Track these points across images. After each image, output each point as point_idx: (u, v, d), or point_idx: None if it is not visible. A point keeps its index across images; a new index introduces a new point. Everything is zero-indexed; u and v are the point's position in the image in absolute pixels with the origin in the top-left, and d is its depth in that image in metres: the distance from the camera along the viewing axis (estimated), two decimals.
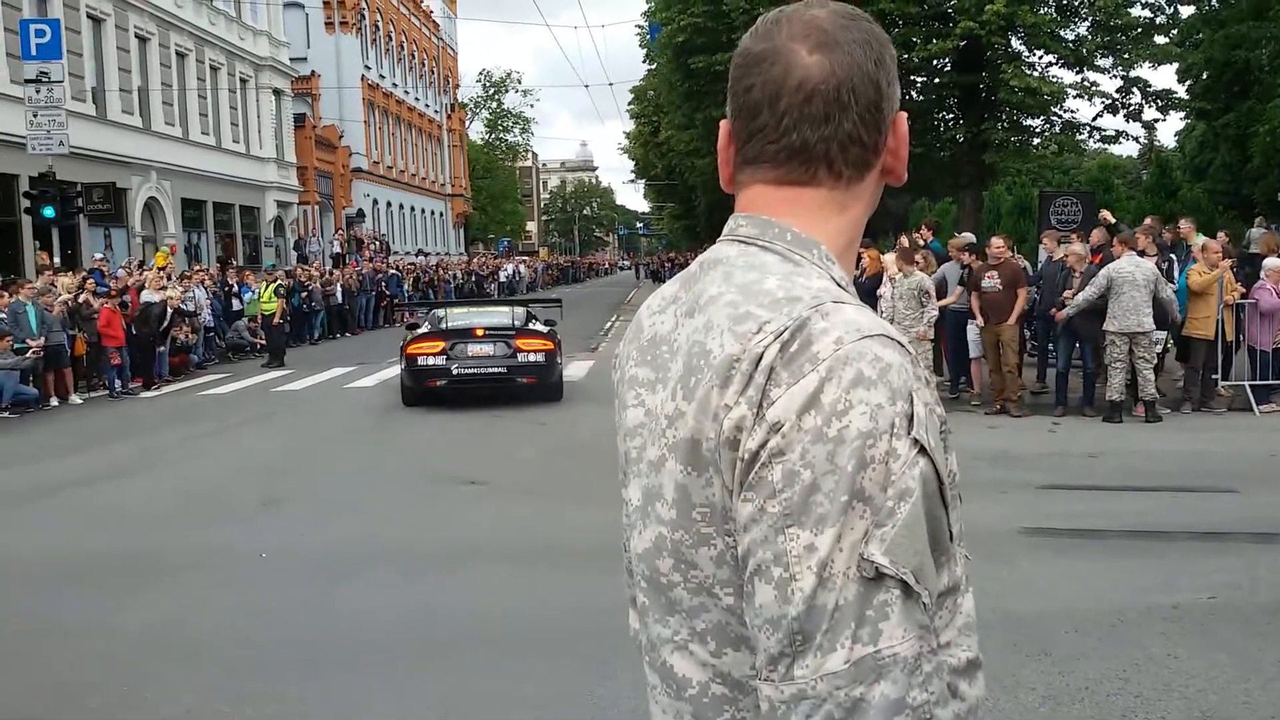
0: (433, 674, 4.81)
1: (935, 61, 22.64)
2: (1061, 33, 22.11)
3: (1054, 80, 22.27)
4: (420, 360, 13.42)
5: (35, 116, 19.80)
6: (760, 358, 1.04)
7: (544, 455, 10.19)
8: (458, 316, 14.76)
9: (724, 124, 1.23)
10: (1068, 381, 11.88)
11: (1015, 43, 22.38)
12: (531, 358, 13.55)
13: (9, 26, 22.55)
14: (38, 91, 19.79)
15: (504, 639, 5.21)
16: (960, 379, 13.12)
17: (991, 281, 11.70)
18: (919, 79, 23.65)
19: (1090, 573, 6.10)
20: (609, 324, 27.50)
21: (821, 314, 1.05)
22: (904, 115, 1.21)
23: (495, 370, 13.50)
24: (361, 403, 14.77)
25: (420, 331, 14.33)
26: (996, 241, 12.29)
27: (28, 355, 14.35)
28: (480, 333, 13.74)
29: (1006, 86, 20.91)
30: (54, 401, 15.15)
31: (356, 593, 6.07)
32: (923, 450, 1.02)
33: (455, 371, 13.35)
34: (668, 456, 1.12)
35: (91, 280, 17.35)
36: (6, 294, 15.14)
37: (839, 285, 1.13)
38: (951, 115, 24.61)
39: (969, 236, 14.69)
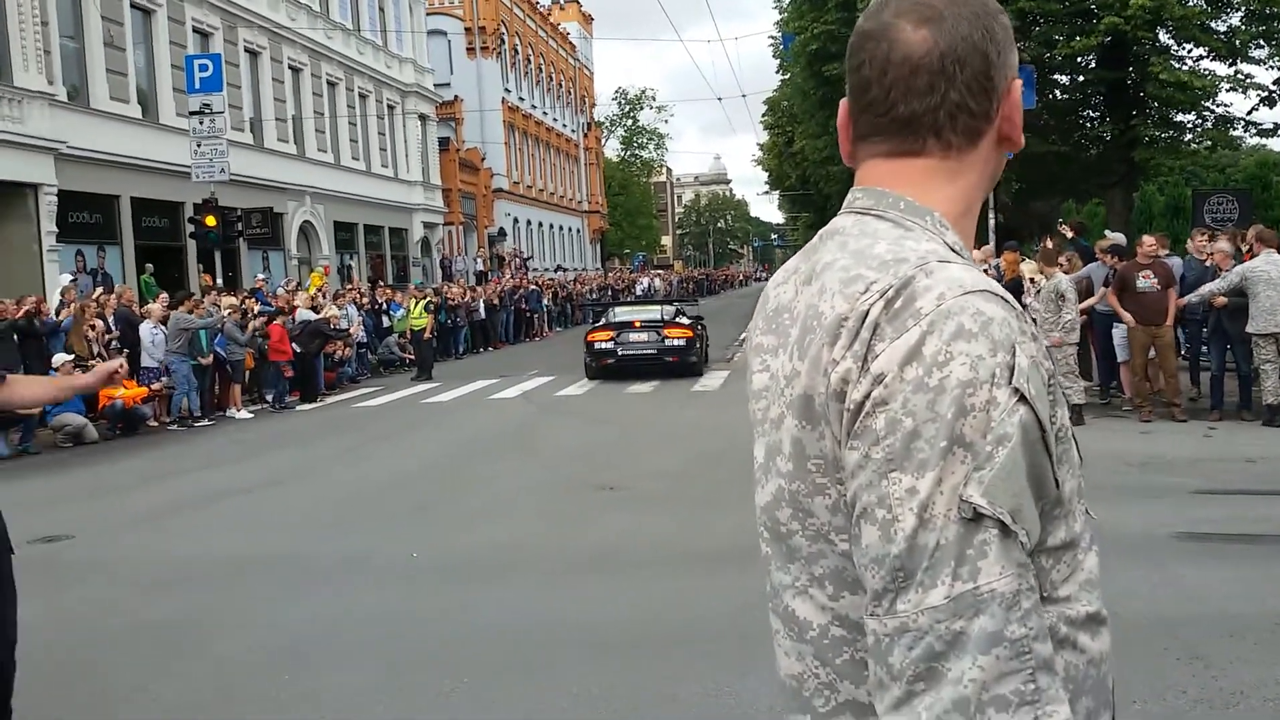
0: (577, 672, 4.91)
1: (1079, 59, 21.96)
2: (1212, 24, 21.16)
3: (1205, 73, 21.33)
4: (596, 345, 18.41)
5: (199, 146, 20.92)
6: (866, 314, 1.10)
7: (681, 463, 10.28)
8: (622, 313, 19.98)
9: (843, 103, 1.29)
10: (1223, 385, 11.39)
11: (1163, 36, 21.50)
12: (675, 342, 18.23)
13: (175, 64, 23.99)
14: (201, 123, 20.93)
15: (645, 639, 5.29)
16: (1111, 383, 12.72)
17: (1148, 282, 11.29)
18: (1062, 77, 22.98)
19: (1247, 578, 5.87)
20: (744, 335, 27.46)
21: (926, 272, 1.10)
22: (1019, 83, 1.24)
23: (648, 351, 18.24)
24: (504, 413, 15.21)
25: (597, 324, 19.61)
26: (1149, 240, 11.85)
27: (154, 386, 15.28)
28: (638, 324, 18.69)
29: (1155, 81, 20.13)
30: (233, 413, 16.02)
31: (502, 594, 6.25)
32: (1023, 399, 1.05)
33: (620, 353, 18.23)
34: (786, 413, 1.19)
35: (254, 299, 18.31)
36: (197, 302, 16.13)
37: (951, 249, 1.18)
38: (1097, 113, 23.81)
39: (1119, 237, 14.21)
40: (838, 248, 1.21)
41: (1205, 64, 22.01)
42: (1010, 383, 1.05)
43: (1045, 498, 1.10)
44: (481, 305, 28.70)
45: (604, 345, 18.32)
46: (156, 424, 15.31)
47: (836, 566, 1.17)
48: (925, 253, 1.14)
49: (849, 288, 1.14)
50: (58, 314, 15.12)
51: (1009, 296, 1.12)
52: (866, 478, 1.07)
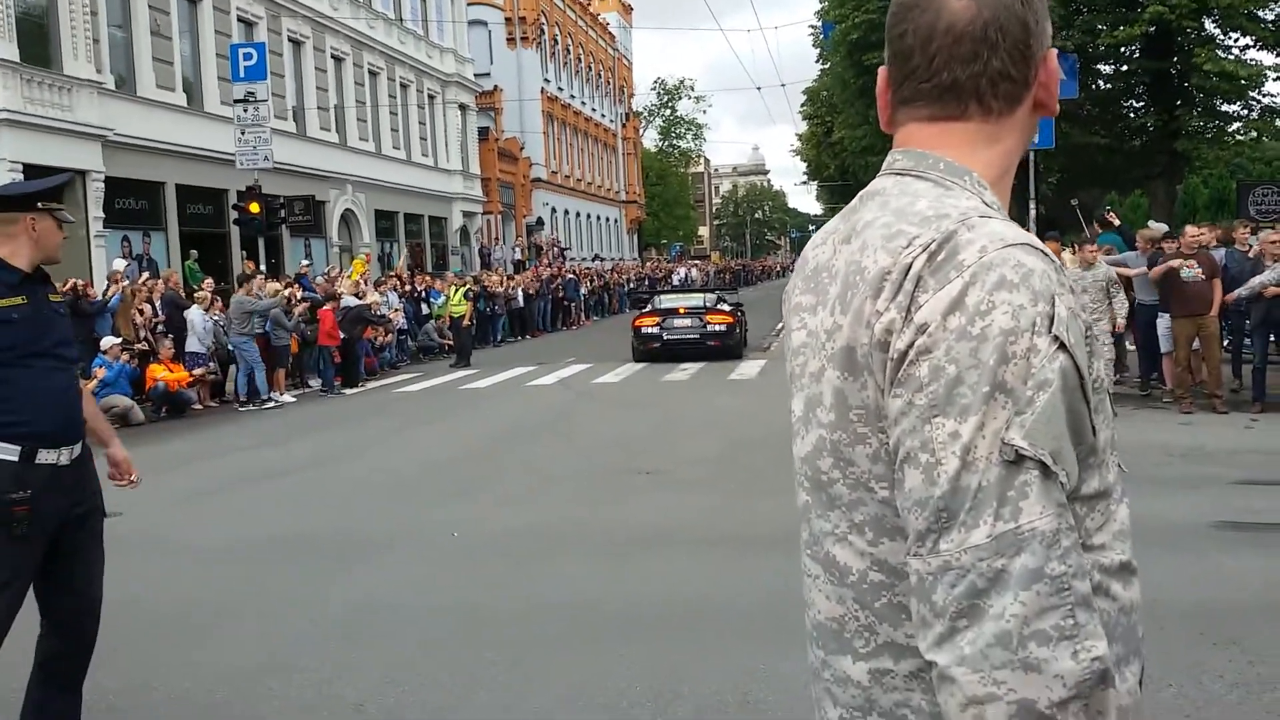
0: (617, 648, 4.99)
1: (1122, 48, 21.71)
2: (1260, 12, 20.86)
3: (1252, 63, 21.04)
4: (643, 329, 19.70)
5: (243, 134, 21.16)
6: (909, 268, 1.14)
7: (719, 449, 10.33)
8: (667, 300, 21.57)
9: (881, 70, 1.34)
10: (1265, 376, 11.28)
11: (1209, 25, 21.23)
12: (716, 328, 19.40)
13: (220, 53, 24.29)
14: (245, 111, 21.16)
15: (685, 618, 5.35)
16: (1152, 375, 12.63)
17: (1191, 271, 11.19)
18: (1105, 67, 22.73)
19: None
20: (780, 325, 27.45)
21: (968, 226, 1.14)
22: (1054, 51, 1.29)
23: (691, 336, 19.36)
24: (542, 399, 15.34)
25: (643, 310, 20.99)
26: (1191, 230, 11.78)
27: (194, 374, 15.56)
28: (682, 310, 20.08)
29: (1199, 71, 19.90)
30: (281, 396, 16.28)
31: (542, 572, 6.35)
32: (1062, 346, 1.09)
33: (665, 337, 19.43)
34: (827, 366, 1.24)
35: (298, 285, 18.56)
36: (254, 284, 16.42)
37: (989, 207, 1.22)
38: (1140, 103, 23.54)
39: (1161, 227, 14.08)
40: (879, 207, 1.26)
41: (1252, 53, 21.74)
42: (1050, 331, 1.09)
43: (1082, 444, 1.13)
44: (520, 293, 28.86)
45: (650, 330, 19.55)
46: (201, 407, 15.57)
47: (876, 514, 1.21)
48: (966, 209, 1.18)
49: (892, 242, 1.18)
50: (105, 296, 15.40)
51: (1048, 250, 1.16)
52: (910, 424, 1.11)
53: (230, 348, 16.09)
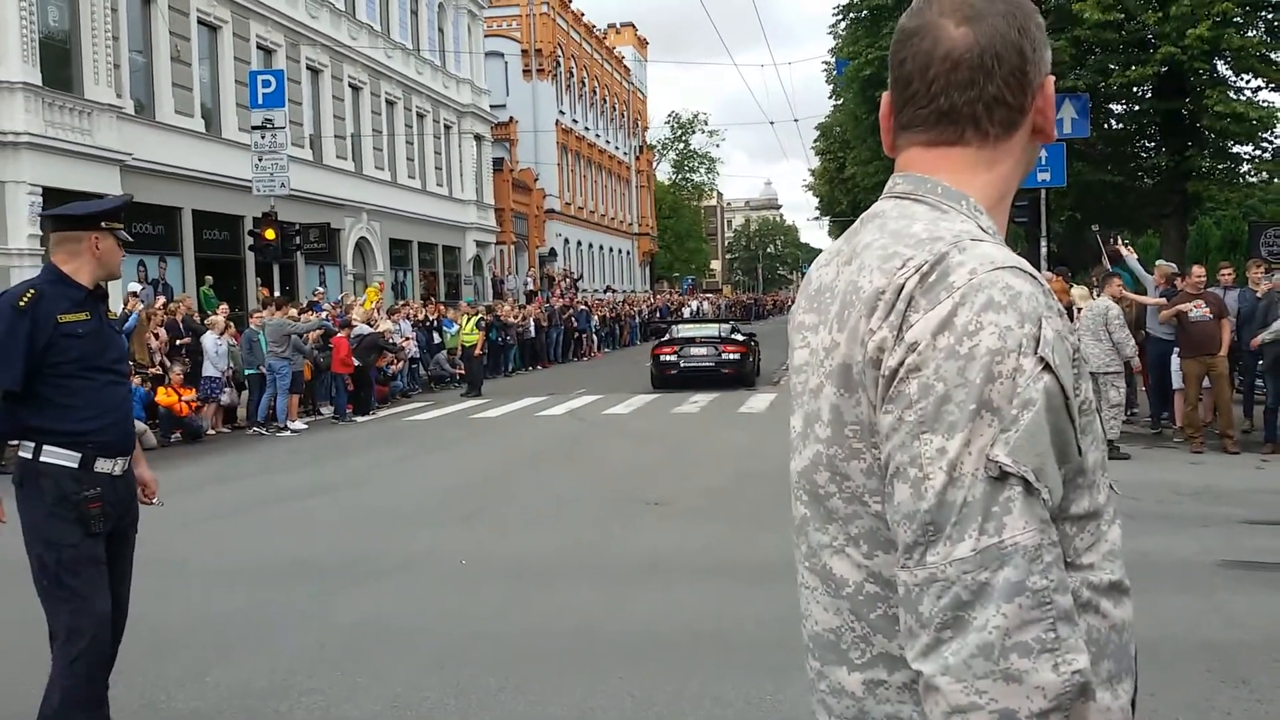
0: (620, 672, 5.02)
1: (1134, 88, 21.83)
2: (1272, 54, 20.97)
3: (1264, 105, 21.12)
4: (662, 357, 20.91)
5: (260, 161, 21.30)
6: (902, 288, 1.18)
7: (727, 481, 10.34)
8: (685, 330, 22.70)
9: (885, 96, 1.38)
10: (1277, 418, 11.25)
11: (1221, 67, 21.35)
12: (731, 357, 20.68)
13: (239, 79, 24.56)
14: (262, 138, 21.33)
15: (688, 645, 5.37)
16: (1163, 414, 12.61)
17: (1199, 311, 11.23)
18: (1117, 106, 22.84)
19: None
20: (786, 363, 27.46)
21: (959, 249, 1.18)
22: (1051, 79, 1.33)
23: (707, 364, 20.52)
24: (552, 430, 15.37)
25: (662, 340, 22.22)
26: (1198, 270, 11.81)
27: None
28: (698, 341, 21.21)
29: (1211, 113, 19.96)
30: (293, 423, 16.32)
31: (550, 597, 6.38)
32: (1048, 367, 1.12)
33: (683, 365, 20.55)
34: (825, 383, 1.27)
35: (313, 312, 18.68)
36: (268, 313, 16.52)
37: (983, 231, 1.25)
38: (1152, 143, 23.63)
39: (1171, 266, 14.13)
40: (877, 229, 1.30)
41: (1264, 95, 21.86)
42: (1036, 352, 1.12)
43: (1068, 463, 1.16)
44: (531, 324, 28.96)
45: (668, 358, 20.83)
46: (214, 433, 15.64)
47: (871, 527, 1.24)
48: (959, 232, 1.22)
49: (887, 264, 1.22)
50: (121, 320, 15.50)
51: (1036, 274, 1.19)
52: (900, 439, 1.15)
53: (249, 371, 16.19)
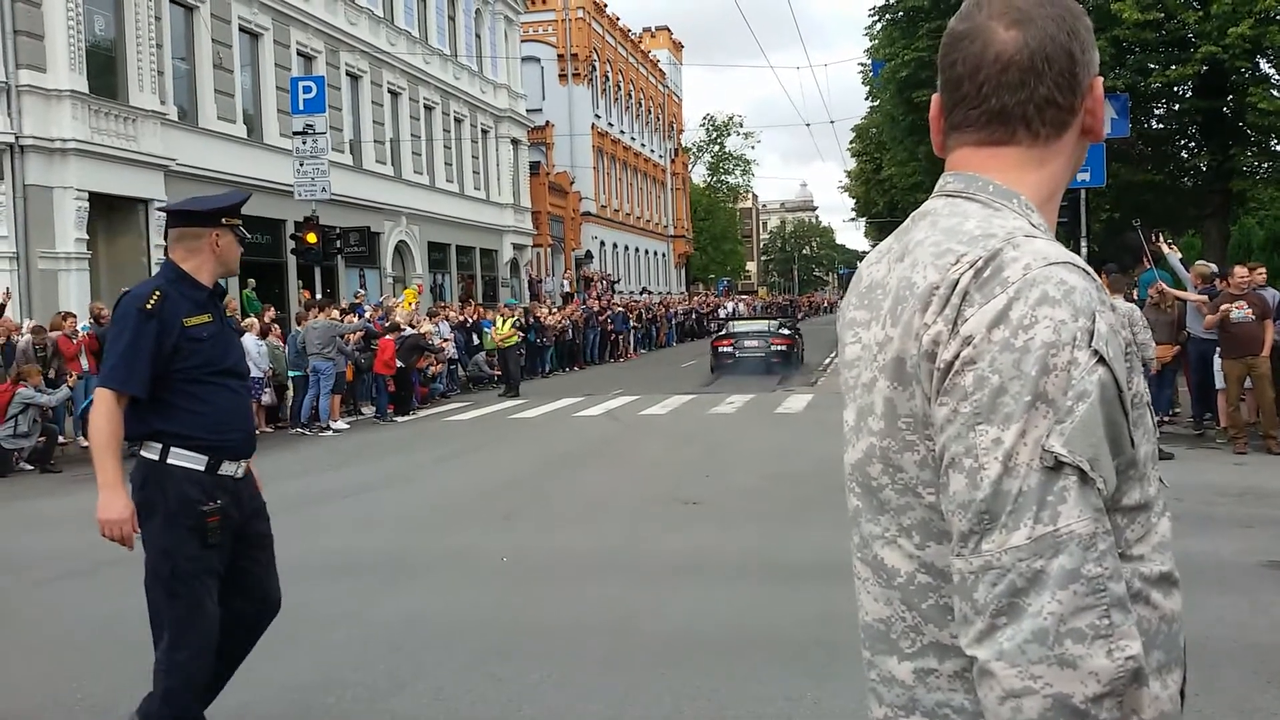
0: (661, 672, 5.04)
1: (1175, 88, 21.58)
2: None
3: None
4: (720, 349, 25.42)
5: (301, 166, 21.58)
6: (957, 283, 1.20)
7: (763, 481, 10.34)
8: (740, 324, 28.40)
9: (935, 97, 1.41)
10: None
11: (1264, 65, 21.06)
12: (779, 348, 24.97)
13: (280, 86, 24.86)
14: (304, 143, 21.60)
15: (728, 644, 5.39)
16: (1205, 415, 12.48)
17: (1241, 312, 11.11)
18: (1158, 107, 22.59)
19: None
20: (827, 360, 27.41)
21: (1013, 245, 1.20)
22: (1100, 80, 1.35)
23: (759, 354, 24.66)
24: (589, 430, 15.46)
25: (720, 334, 27.13)
26: (1240, 270, 11.68)
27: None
28: (751, 334, 25.71)
29: (1254, 110, 19.68)
30: (335, 423, 16.52)
31: (589, 595, 6.43)
32: (1101, 360, 1.14)
33: (738, 355, 24.79)
34: (878, 377, 1.30)
35: (354, 314, 18.90)
36: (312, 315, 16.74)
37: (1035, 228, 1.27)
38: (1193, 143, 23.35)
39: (1211, 266, 13.98)
40: (929, 226, 1.33)
41: None
42: (1090, 345, 1.15)
43: (1121, 454, 1.19)
44: (569, 325, 29.10)
45: (726, 349, 25.21)
46: (257, 432, 15.83)
47: (923, 518, 1.27)
48: (1012, 229, 1.24)
49: (941, 260, 1.25)
50: None
51: (1089, 269, 1.22)
52: (955, 430, 1.18)
53: (294, 372, 16.41)
